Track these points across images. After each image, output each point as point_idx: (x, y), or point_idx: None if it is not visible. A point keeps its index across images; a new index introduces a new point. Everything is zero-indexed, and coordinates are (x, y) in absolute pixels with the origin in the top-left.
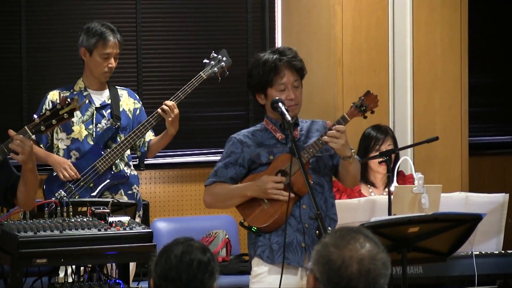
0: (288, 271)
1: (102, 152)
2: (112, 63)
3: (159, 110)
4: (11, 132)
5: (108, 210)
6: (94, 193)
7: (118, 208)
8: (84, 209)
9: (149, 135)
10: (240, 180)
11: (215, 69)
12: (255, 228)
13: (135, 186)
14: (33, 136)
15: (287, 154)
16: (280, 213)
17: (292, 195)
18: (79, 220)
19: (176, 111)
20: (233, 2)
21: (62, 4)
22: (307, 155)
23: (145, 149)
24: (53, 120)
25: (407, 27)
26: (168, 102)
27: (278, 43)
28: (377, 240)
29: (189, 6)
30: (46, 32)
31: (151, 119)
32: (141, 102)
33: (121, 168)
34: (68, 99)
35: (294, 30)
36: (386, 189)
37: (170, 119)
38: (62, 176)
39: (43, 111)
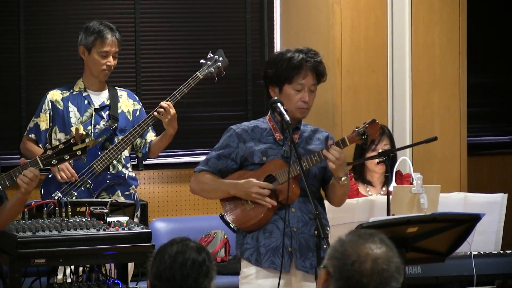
0: (274, 275)
1: (99, 153)
2: (111, 61)
3: (154, 112)
4: (23, 160)
5: (106, 210)
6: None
7: (117, 208)
8: (83, 209)
9: (151, 136)
10: (230, 173)
11: (212, 69)
12: (233, 226)
13: (132, 187)
14: (33, 135)
15: (281, 161)
16: (260, 218)
17: (276, 202)
18: (77, 220)
19: (173, 111)
20: (231, 2)
21: (60, 4)
22: (299, 167)
23: (146, 150)
24: (66, 155)
25: (405, 27)
26: (164, 103)
27: (277, 43)
28: (393, 246)
29: (188, 6)
30: (44, 32)
31: (147, 120)
32: (141, 104)
33: (119, 169)
34: (84, 136)
35: (293, 30)
36: (384, 188)
37: (166, 120)
38: (59, 177)
39: (44, 109)
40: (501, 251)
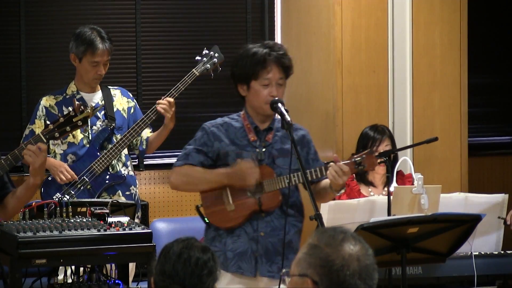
0: (242, 281)
1: (98, 154)
2: (101, 70)
3: (160, 109)
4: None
5: (107, 211)
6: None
7: (118, 209)
8: (84, 209)
9: (146, 133)
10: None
11: (208, 65)
12: (208, 221)
13: (132, 186)
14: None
15: (270, 169)
16: (239, 222)
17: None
18: (78, 220)
19: (174, 106)
20: (232, 2)
21: (61, 4)
22: (288, 181)
23: (144, 146)
24: (67, 127)
25: (406, 28)
26: (169, 99)
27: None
28: (358, 236)
29: (188, 6)
30: (45, 33)
31: (151, 115)
32: (135, 100)
33: (118, 169)
34: (82, 106)
35: (293, 31)
36: (385, 189)
37: (169, 115)
38: (59, 179)
39: (39, 115)
40: (502, 252)
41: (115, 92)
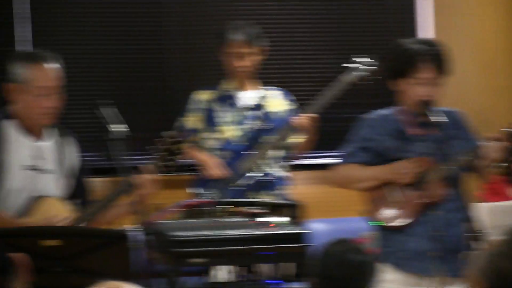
0: (415, 281)
1: (249, 153)
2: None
3: (296, 124)
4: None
5: (262, 211)
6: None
7: (274, 209)
8: (239, 209)
9: (297, 137)
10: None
11: (361, 74)
12: (378, 223)
13: (280, 187)
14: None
15: (427, 159)
16: (407, 221)
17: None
18: (234, 220)
19: (315, 122)
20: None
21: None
22: (453, 164)
23: (290, 151)
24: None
25: None
26: (312, 115)
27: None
28: None
29: (331, 7)
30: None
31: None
32: (296, 104)
33: (265, 170)
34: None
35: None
36: None
37: (307, 130)
38: (211, 174)
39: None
40: None
41: (275, 92)
